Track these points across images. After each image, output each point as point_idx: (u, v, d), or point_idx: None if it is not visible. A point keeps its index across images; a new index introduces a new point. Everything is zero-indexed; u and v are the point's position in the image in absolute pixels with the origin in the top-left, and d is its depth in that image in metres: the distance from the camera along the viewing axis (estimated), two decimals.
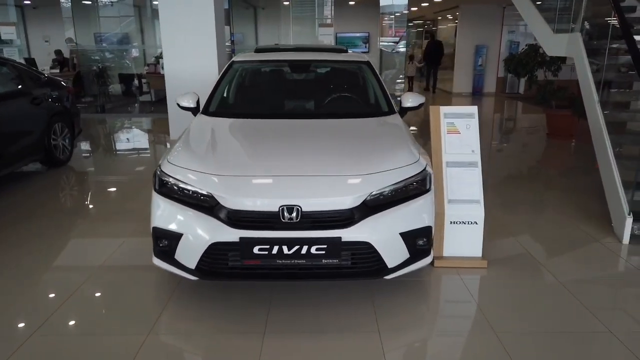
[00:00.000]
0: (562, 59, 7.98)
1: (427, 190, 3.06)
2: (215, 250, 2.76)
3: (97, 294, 3.18)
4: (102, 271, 3.47)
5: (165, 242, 2.91)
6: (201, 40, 7.43)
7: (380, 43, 14.62)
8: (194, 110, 4.07)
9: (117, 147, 8.20)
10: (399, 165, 3.01)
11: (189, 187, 2.87)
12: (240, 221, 2.75)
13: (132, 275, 3.42)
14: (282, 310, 2.96)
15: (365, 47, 14.78)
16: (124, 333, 2.74)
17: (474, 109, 3.70)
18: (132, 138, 8.92)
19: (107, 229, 4.31)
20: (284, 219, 2.71)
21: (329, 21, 11.80)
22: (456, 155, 3.63)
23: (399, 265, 2.93)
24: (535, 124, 9.70)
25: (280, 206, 2.71)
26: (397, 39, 14.29)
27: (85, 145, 8.16)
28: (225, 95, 4.26)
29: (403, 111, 4.21)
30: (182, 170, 2.97)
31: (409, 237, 2.92)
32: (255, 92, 4.45)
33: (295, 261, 2.75)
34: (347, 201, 2.76)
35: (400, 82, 14.58)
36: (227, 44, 13.81)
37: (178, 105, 4.14)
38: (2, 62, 6.07)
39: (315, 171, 2.90)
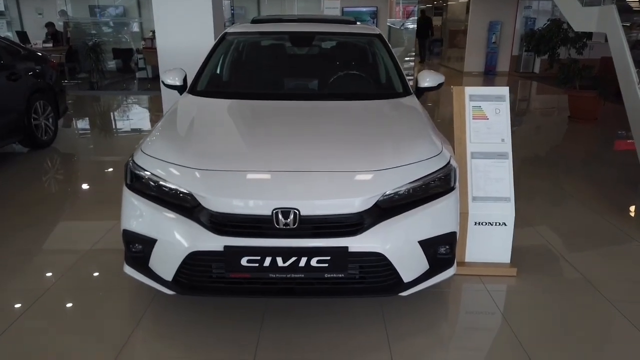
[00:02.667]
0: (589, 36, 7.36)
1: (452, 189, 2.55)
2: (195, 261, 2.27)
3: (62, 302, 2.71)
4: (74, 270, 3.00)
5: (139, 247, 2.43)
6: (196, 13, 6.80)
7: (389, 19, 13.92)
8: (181, 89, 3.55)
9: (108, 127, 7.68)
10: (418, 158, 2.49)
11: (165, 184, 2.37)
12: (225, 226, 2.24)
13: (106, 285, 2.95)
14: (277, 330, 2.48)
15: (373, 22, 14.05)
16: (85, 356, 2.28)
17: (504, 90, 3.16)
18: (125, 117, 8.39)
19: (84, 216, 3.84)
20: (278, 224, 2.21)
21: None
22: (483, 145, 3.10)
23: (416, 280, 2.43)
24: (554, 106, 9.11)
25: (274, 209, 2.20)
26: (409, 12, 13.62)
27: (72, 125, 7.65)
28: (215, 72, 3.71)
29: (420, 92, 3.67)
30: (158, 162, 2.46)
31: (429, 246, 2.42)
32: (251, 69, 3.90)
33: (292, 275, 2.25)
34: (355, 203, 2.25)
35: (410, 60, 13.94)
36: (227, 17, 13.18)
37: (163, 83, 3.63)
38: None
39: (317, 166, 2.37)
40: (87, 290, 2.86)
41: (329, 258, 2.23)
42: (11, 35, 10.59)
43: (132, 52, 12.45)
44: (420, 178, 2.42)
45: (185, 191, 2.30)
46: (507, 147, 3.09)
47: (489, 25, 14.29)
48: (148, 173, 2.43)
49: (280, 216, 2.20)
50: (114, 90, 10.97)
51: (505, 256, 3.10)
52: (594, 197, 4.45)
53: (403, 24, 14.02)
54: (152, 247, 2.34)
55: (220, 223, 2.24)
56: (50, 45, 12.52)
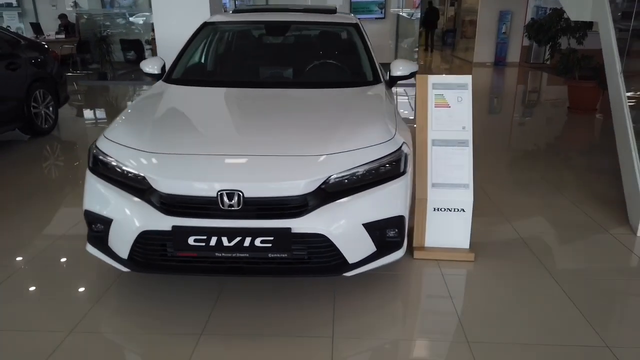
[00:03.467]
0: (589, 25, 7.26)
1: (401, 174, 2.62)
2: (147, 240, 2.40)
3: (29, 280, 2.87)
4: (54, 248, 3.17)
5: (100, 227, 2.56)
6: (193, 3, 6.96)
7: (396, 8, 13.86)
8: (159, 77, 3.67)
9: (112, 116, 7.87)
10: (368, 143, 2.57)
11: (122, 167, 2.50)
12: (174, 207, 2.36)
13: (74, 265, 3.10)
14: (229, 308, 2.60)
15: (381, 12, 13.99)
16: (43, 329, 2.43)
17: (467, 79, 3.20)
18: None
19: (72, 202, 4.01)
20: (223, 205, 2.32)
21: None
22: (444, 132, 3.15)
23: (362, 261, 2.52)
24: (558, 97, 9.01)
25: (219, 191, 2.31)
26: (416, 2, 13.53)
27: (76, 114, 7.87)
28: (192, 60, 3.82)
29: (393, 80, 3.73)
30: (117, 147, 2.59)
31: (374, 229, 2.51)
32: (227, 58, 4.01)
33: (238, 254, 2.37)
34: (298, 186, 2.35)
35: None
36: (227, 5, 13.26)
37: (143, 71, 3.75)
38: None
39: (263, 150, 2.47)
40: (55, 270, 3.02)
41: (272, 238, 2.33)
42: (22, 27, 10.85)
43: (140, 43, 12.65)
44: (368, 163, 2.50)
45: (138, 174, 2.42)
46: (468, 135, 3.14)
47: (499, 15, 14.11)
48: (108, 157, 2.56)
49: (225, 198, 2.30)
50: (124, 80, 11.19)
51: (464, 242, 3.16)
52: (577, 187, 4.46)
53: (413, 14, 13.91)
54: (109, 226, 2.48)
55: (169, 204, 2.36)
56: (63, 36, 12.83)
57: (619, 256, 3.21)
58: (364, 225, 2.46)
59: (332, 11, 4.47)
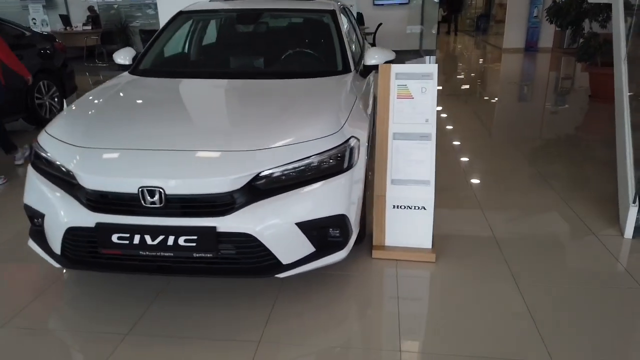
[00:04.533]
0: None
1: (344, 170, 2.48)
2: (74, 236, 2.37)
3: None
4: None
5: (40, 222, 2.55)
6: None
7: None
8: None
9: None
10: (307, 137, 2.44)
11: (55, 162, 2.47)
12: (98, 204, 2.31)
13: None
14: (166, 307, 2.54)
15: None
16: None
17: (432, 68, 2.99)
18: None
19: None
20: (145, 202, 2.25)
21: None
22: (406, 125, 2.97)
23: (298, 261, 2.41)
24: (583, 84, 8.50)
25: (140, 187, 2.23)
26: None
27: None
28: (162, 51, 3.76)
29: (367, 69, 3.57)
30: (54, 141, 2.56)
31: (311, 228, 2.39)
32: (197, 48, 3.93)
33: (162, 254, 2.29)
34: (223, 182, 2.24)
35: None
36: None
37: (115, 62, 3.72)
38: None
39: (189, 144, 2.37)
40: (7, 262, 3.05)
41: (196, 238, 2.25)
42: (47, 18, 11.15)
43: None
44: (307, 157, 2.38)
45: (67, 169, 2.38)
46: (431, 128, 2.94)
47: None
48: (45, 152, 2.53)
49: (146, 194, 2.23)
50: None
51: (426, 241, 2.99)
52: (573, 182, 4.18)
53: None
54: (44, 221, 2.46)
55: (93, 200, 2.31)
56: (90, 28, 13.11)
57: (598, 261, 2.95)
58: (297, 224, 2.34)
59: None
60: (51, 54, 6.36)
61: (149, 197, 2.23)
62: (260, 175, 2.30)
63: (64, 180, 2.43)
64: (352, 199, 2.52)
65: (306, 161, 2.38)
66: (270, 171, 2.31)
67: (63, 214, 2.35)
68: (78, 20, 13.65)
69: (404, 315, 2.45)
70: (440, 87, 8.93)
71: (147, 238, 2.26)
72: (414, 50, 13.61)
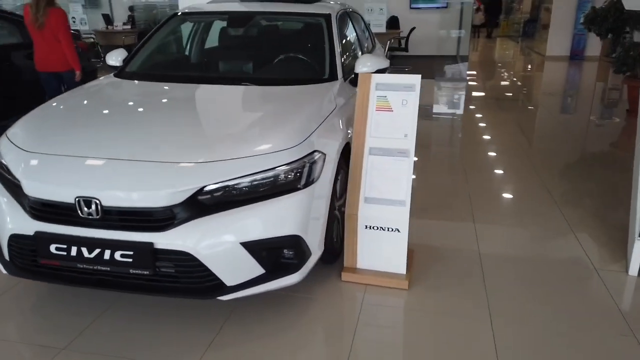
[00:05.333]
0: None
1: (301, 187, 2.30)
2: (17, 244, 2.30)
3: None
4: None
5: None
6: None
7: None
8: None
9: None
10: (261, 150, 2.28)
11: (7, 167, 2.40)
12: (39, 212, 2.23)
13: None
14: (111, 322, 2.43)
15: (444, 1, 13.17)
16: None
17: (415, 79, 2.78)
18: None
19: None
20: (82, 213, 2.15)
21: None
22: (383, 139, 2.76)
23: (245, 284, 2.25)
24: (623, 97, 7.93)
25: (77, 197, 2.13)
26: None
27: None
28: (151, 53, 3.67)
29: (358, 78, 3.36)
30: (11, 146, 2.49)
31: (258, 248, 2.22)
32: (185, 51, 3.83)
33: (99, 267, 2.19)
34: (162, 196, 2.11)
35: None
36: None
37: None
38: None
39: (130, 153, 2.25)
40: None
41: (132, 253, 2.13)
42: (85, 18, 11.46)
43: None
44: (255, 173, 2.21)
45: (14, 175, 2.32)
46: (410, 144, 2.72)
47: (577, 3, 12.75)
48: (1, 157, 2.47)
49: (83, 205, 2.13)
50: None
51: (399, 266, 2.76)
52: (586, 209, 3.82)
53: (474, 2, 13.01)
54: None
55: (35, 208, 2.23)
56: (129, 27, 13.43)
57: (591, 301, 2.63)
58: (243, 244, 2.18)
59: (315, 0, 4.14)
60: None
61: (85, 208, 2.13)
62: (205, 189, 2.16)
63: (14, 185, 2.37)
64: (311, 218, 2.35)
65: (256, 176, 2.22)
66: (215, 185, 2.17)
67: (8, 220, 2.29)
68: (121, 19, 14.02)
69: (357, 350, 2.25)
70: (483, 94, 8.58)
71: (84, 251, 2.16)
72: (450, 55, 13.18)
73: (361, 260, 2.81)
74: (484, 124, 6.47)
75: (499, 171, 4.64)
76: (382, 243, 2.74)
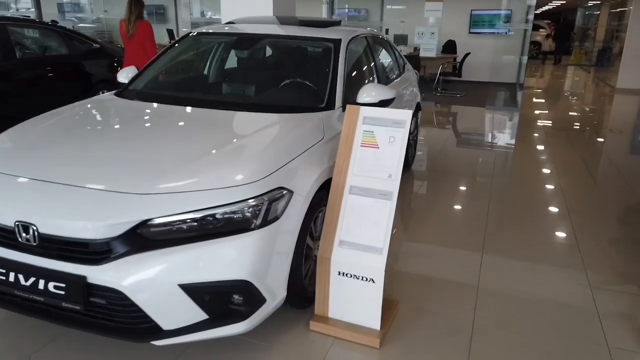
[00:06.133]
0: None
1: (256, 227, 2.11)
2: None
3: None
4: None
5: None
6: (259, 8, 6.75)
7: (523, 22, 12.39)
8: None
9: None
10: (213, 185, 2.11)
11: None
12: None
13: None
14: (56, 353, 2.32)
15: (506, 27, 12.59)
16: None
17: (405, 115, 2.52)
18: None
19: None
20: (21, 239, 2.06)
21: None
22: (365, 178, 2.51)
23: (184, 329, 2.07)
24: None
25: (16, 221, 2.05)
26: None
27: None
28: (157, 73, 3.62)
29: None
30: None
31: (200, 292, 2.04)
32: (187, 72, 3.75)
33: (34, 297, 2.08)
34: (98, 227, 1.98)
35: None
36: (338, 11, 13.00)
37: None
38: (39, 27, 6.37)
39: (74, 179, 2.13)
40: None
41: (64, 285, 2.01)
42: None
43: None
44: (203, 209, 2.04)
45: None
46: (393, 186, 2.46)
47: None
48: None
49: (21, 230, 2.04)
50: None
51: (373, 321, 2.48)
52: (617, 271, 3.34)
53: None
54: None
55: None
56: None
57: None
58: (181, 286, 2.00)
59: (333, 23, 3.97)
60: (116, 65, 6.69)
61: (24, 233, 2.04)
62: (148, 223, 2.00)
63: None
64: (268, 261, 2.14)
65: (204, 213, 2.04)
66: (158, 220, 2.01)
67: None
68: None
69: None
70: (539, 124, 8.04)
71: (21, 277, 2.06)
72: (509, 83, 12.57)
73: (333, 309, 2.55)
74: (536, 158, 5.99)
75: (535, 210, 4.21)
76: (355, 293, 2.48)
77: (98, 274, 1.98)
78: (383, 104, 3.09)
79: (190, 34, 3.81)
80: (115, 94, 3.32)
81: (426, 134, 7.29)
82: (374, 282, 2.43)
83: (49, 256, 2.04)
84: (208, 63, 3.83)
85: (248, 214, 2.10)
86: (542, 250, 3.52)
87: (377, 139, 2.53)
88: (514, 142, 7.03)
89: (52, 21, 14.75)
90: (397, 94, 4.20)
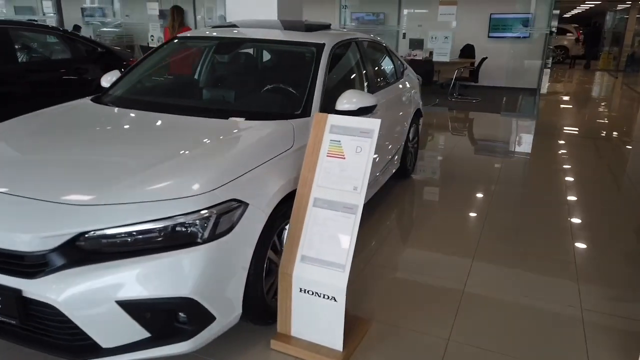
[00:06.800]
0: None
1: (200, 242, 1.99)
2: None
3: None
4: None
5: None
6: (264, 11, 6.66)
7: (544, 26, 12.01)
8: None
9: None
10: (157, 196, 2.01)
11: None
12: None
13: None
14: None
15: (526, 30, 12.23)
16: None
17: (373, 124, 2.38)
18: None
19: None
20: None
21: None
22: (330, 190, 2.37)
23: (124, 347, 1.97)
24: None
25: None
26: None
27: None
28: (139, 77, 3.54)
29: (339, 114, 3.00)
30: None
31: (139, 309, 1.94)
32: (165, 77, 3.67)
33: None
34: (32, 239, 1.90)
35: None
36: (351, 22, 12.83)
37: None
38: (43, 31, 6.43)
39: (12, 187, 2.07)
40: None
41: (0, 298, 1.93)
42: (162, 36, 12.09)
43: None
44: (144, 222, 1.95)
45: None
46: (359, 199, 2.31)
47: None
48: None
49: None
50: None
51: (335, 340, 2.34)
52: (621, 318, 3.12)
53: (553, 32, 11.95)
54: None
55: None
56: None
57: None
58: (119, 303, 1.90)
59: (322, 27, 3.84)
60: (123, 70, 6.70)
61: None
62: (86, 235, 1.92)
63: None
64: (217, 277, 2.03)
65: (145, 225, 1.95)
66: (96, 232, 1.92)
67: None
68: None
69: None
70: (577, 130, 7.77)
71: None
72: (529, 88, 12.20)
73: (295, 328, 2.42)
74: (551, 167, 5.74)
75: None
76: (317, 311, 2.34)
77: (33, 288, 1.90)
78: (363, 111, 2.96)
79: (175, 39, 3.74)
80: (92, 99, 3.26)
81: (434, 141, 7.09)
82: (335, 300, 2.29)
83: None
84: (196, 70, 3.75)
85: (194, 228, 2.00)
86: (536, 267, 3.31)
87: (343, 149, 2.39)
88: (527, 150, 6.76)
89: (75, 26, 15.09)
90: (389, 99, 4.06)
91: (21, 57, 5.82)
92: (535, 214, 4.25)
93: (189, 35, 3.78)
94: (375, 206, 4.26)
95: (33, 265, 1.92)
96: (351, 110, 2.94)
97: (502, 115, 9.31)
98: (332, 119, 2.45)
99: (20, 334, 2.01)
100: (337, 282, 2.27)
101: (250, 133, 2.60)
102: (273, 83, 3.27)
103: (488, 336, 2.56)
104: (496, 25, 12.44)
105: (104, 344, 1.95)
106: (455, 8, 8.94)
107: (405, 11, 13.33)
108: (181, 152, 2.32)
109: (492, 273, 3.20)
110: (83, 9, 17.04)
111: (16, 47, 5.68)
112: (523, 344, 2.50)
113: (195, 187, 2.06)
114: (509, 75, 12.37)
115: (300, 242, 2.37)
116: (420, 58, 10.69)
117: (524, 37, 12.32)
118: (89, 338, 1.93)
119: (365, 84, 3.81)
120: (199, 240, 2.00)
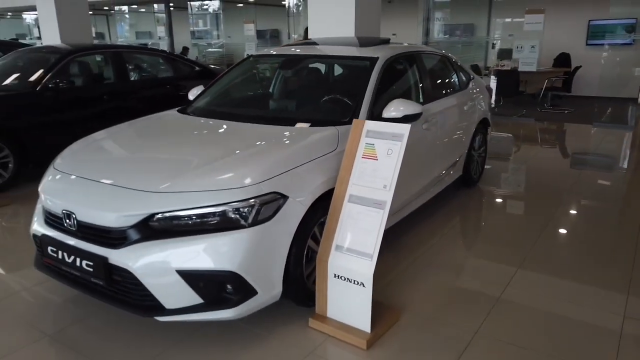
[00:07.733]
0: None
1: (244, 226, 2.40)
2: (39, 242, 2.82)
3: None
4: None
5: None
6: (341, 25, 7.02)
7: None
8: None
9: None
10: (212, 186, 2.45)
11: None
12: (47, 218, 2.74)
13: None
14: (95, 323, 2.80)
15: (630, 37, 11.44)
16: None
17: (404, 129, 2.63)
18: None
19: None
20: (66, 224, 2.57)
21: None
22: (363, 188, 2.66)
23: (182, 309, 2.42)
24: None
25: (63, 210, 2.57)
26: None
27: None
28: (218, 91, 4.08)
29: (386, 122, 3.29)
30: (51, 166, 3.04)
31: (195, 278, 2.38)
32: (240, 91, 4.17)
33: (74, 272, 2.58)
34: (117, 218, 2.42)
35: None
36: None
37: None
38: (150, 53, 7.34)
39: (107, 178, 2.63)
40: None
41: (92, 264, 2.47)
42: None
43: None
44: (201, 207, 2.39)
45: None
46: (387, 196, 2.58)
47: None
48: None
49: (66, 217, 2.55)
50: None
51: (364, 322, 2.60)
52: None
53: None
54: None
55: (46, 215, 2.74)
56: None
57: None
58: (178, 271, 2.35)
59: (383, 42, 4.13)
60: None
61: (67, 220, 2.55)
62: (155, 216, 2.40)
63: None
64: (258, 257, 2.42)
65: (202, 210, 2.38)
66: (164, 214, 2.39)
67: (35, 220, 2.84)
68: None
69: None
70: None
71: (65, 255, 2.57)
72: (631, 98, 11.39)
73: (331, 309, 2.72)
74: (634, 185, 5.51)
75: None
76: (348, 295, 2.63)
77: (115, 256, 2.41)
78: (410, 118, 3.20)
79: (250, 58, 4.25)
80: (178, 110, 3.84)
81: (514, 152, 7.00)
82: (364, 286, 2.56)
83: (84, 239, 2.52)
84: (259, 82, 4.24)
85: (239, 214, 2.39)
86: (585, 279, 3.30)
87: (377, 151, 2.67)
88: (615, 164, 6.44)
89: (184, 47, 16.65)
90: (447, 108, 4.23)
91: (132, 76, 6.75)
92: (602, 232, 4.15)
93: (258, 54, 4.28)
94: (436, 210, 4.43)
95: (117, 238, 2.43)
96: (397, 117, 3.20)
97: (594, 125, 8.86)
98: (369, 124, 2.75)
99: (105, 293, 2.53)
100: (366, 269, 2.55)
101: (298, 137, 2.97)
102: (330, 94, 3.63)
103: (513, 335, 2.67)
104: (595, 32, 11.79)
105: (167, 305, 2.40)
106: (543, 17, 8.72)
107: (494, 20, 13.09)
108: (237, 152, 2.76)
109: (534, 281, 3.25)
110: (192, 32, 18.73)
111: (129, 67, 6.62)
112: (546, 342, 2.58)
113: (243, 180, 2.46)
114: (607, 85, 11.65)
115: (335, 233, 2.68)
116: (509, 68, 10.50)
117: (627, 44, 11.55)
118: (155, 299, 2.40)
119: (420, 93, 4.03)
120: (244, 224, 2.40)
